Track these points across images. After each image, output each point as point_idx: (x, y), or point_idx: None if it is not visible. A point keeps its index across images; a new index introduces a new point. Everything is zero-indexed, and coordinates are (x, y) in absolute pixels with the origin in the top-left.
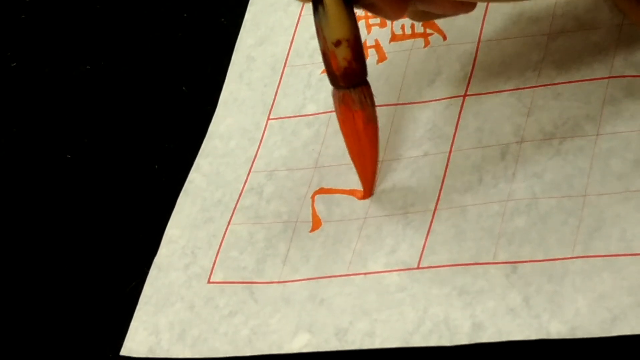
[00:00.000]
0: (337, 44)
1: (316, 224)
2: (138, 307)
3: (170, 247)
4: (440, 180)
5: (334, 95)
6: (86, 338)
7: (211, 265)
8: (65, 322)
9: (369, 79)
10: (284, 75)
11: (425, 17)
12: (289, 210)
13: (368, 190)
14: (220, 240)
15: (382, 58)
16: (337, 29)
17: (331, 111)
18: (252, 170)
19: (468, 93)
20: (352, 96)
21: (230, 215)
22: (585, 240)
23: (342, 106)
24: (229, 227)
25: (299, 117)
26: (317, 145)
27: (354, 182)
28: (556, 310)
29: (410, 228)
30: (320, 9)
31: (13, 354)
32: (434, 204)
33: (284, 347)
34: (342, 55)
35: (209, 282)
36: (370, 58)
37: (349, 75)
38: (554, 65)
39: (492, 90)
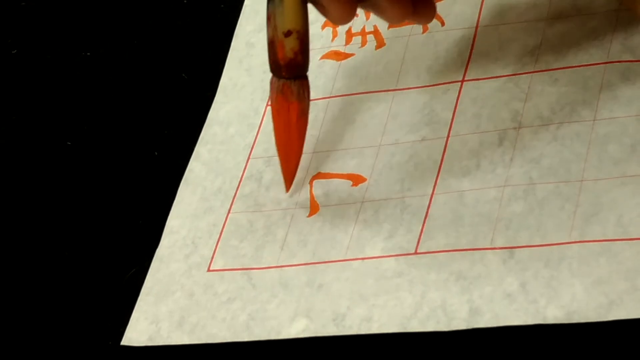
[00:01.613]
0: (288, 34)
1: (314, 209)
2: (139, 298)
3: (172, 238)
4: (438, 165)
5: (272, 84)
6: (86, 328)
7: (211, 254)
8: (66, 312)
9: (368, 63)
10: None
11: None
12: (287, 196)
13: (288, 182)
14: (221, 229)
15: (380, 44)
16: (290, 20)
17: (329, 97)
18: (251, 156)
19: (466, 78)
20: (291, 87)
21: (230, 203)
22: (582, 225)
23: (280, 96)
24: (229, 215)
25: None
26: (315, 130)
27: (352, 167)
28: (553, 296)
29: (407, 213)
30: None
31: (14, 342)
32: (432, 189)
33: (282, 333)
34: (290, 46)
35: (208, 270)
36: (369, 44)
37: (292, 67)
38: (552, 51)
39: (489, 76)
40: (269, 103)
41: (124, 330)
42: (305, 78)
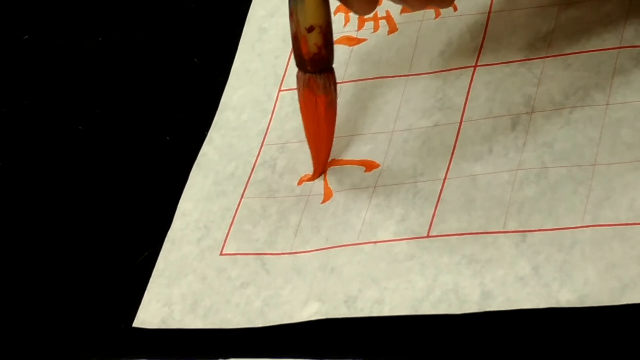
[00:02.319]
0: (310, 29)
1: (327, 195)
2: (151, 280)
3: (184, 221)
4: (451, 150)
5: (298, 78)
6: (99, 310)
7: (224, 238)
8: (79, 295)
9: (381, 49)
10: None
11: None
12: (301, 184)
13: (318, 172)
14: (234, 213)
15: (392, 29)
16: (312, 15)
17: (342, 82)
18: (265, 143)
19: (479, 64)
20: (317, 81)
21: (243, 188)
22: (595, 210)
23: (306, 90)
24: (242, 200)
25: None
26: None
27: (365, 152)
28: (565, 279)
29: (419, 197)
30: None
31: (27, 326)
32: (444, 173)
33: (295, 317)
34: (314, 41)
35: (221, 254)
36: (382, 29)
37: (317, 61)
38: (564, 36)
39: (502, 61)
40: (282, 88)
41: (136, 314)
42: (331, 71)
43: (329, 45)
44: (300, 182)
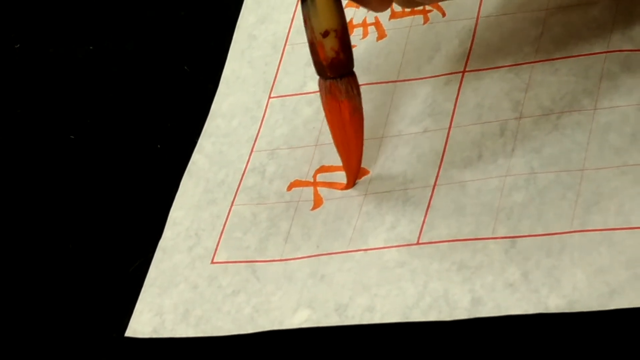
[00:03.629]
0: (325, 34)
1: (317, 202)
2: (143, 289)
3: (175, 230)
4: (440, 156)
5: (320, 85)
6: (90, 320)
7: (215, 246)
8: (71, 304)
9: (370, 55)
10: (285, 53)
11: (412, 3)
12: (291, 189)
13: (351, 180)
14: (224, 221)
15: (381, 35)
16: (325, 20)
17: None
18: (255, 149)
19: (467, 69)
20: (338, 86)
21: (233, 196)
22: (583, 215)
23: (329, 96)
24: (232, 208)
25: (300, 95)
26: (318, 123)
27: None
28: (555, 285)
29: (410, 204)
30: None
31: (18, 334)
32: (434, 180)
33: (285, 323)
34: (330, 45)
35: (212, 262)
36: (370, 35)
37: (336, 66)
38: (553, 41)
39: (491, 66)
40: (271, 95)
41: (128, 322)
42: (352, 74)
43: (346, 48)
44: (289, 188)
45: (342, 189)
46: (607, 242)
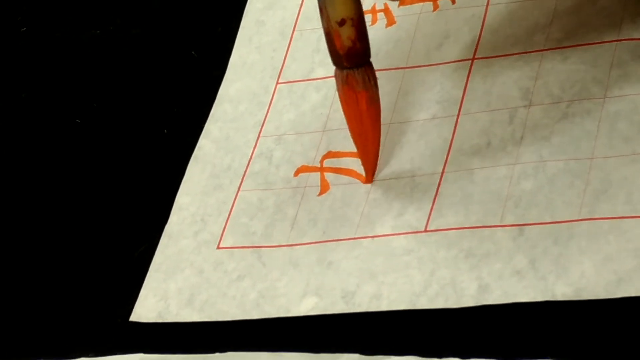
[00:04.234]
0: (342, 23)
1: (324, 187)
2: (148, 274)
3: (181, 215)
4: (448, 144)
5: (336, 76)
6: (96, 304)
7: (221, 232)
8: (76, 289)
9: (379, 42)
10: (293, 39)
11: None
12: (298, 175)
13: (370, 173)
14: (230, 206)
15: (390, 22)
16: (341, 8)
17: None
18: (261, 134)
19: (476, 56)
20: (355, 77)
21: (239, 181)
22: (592, 203)
23: (346, 87)
24: (239, 193)
25: (307, 81)
26: (326, 109)
27: None
28: (562, 273)
29: (417, 191)
30: None
31: (22, 319)
32: (442, 167)
33: (292, 310)
34: (347, 34)
35: (218, 247)
36: (379, 22)
37: (352, 55)
38: (562, 29)
39: (500, 54)
40: (279, 81)
41: (133, 307)
42: (369, 64)
43: (363, 37)
44: (296, 173)
45: (363, 183)
46: (615, 231)
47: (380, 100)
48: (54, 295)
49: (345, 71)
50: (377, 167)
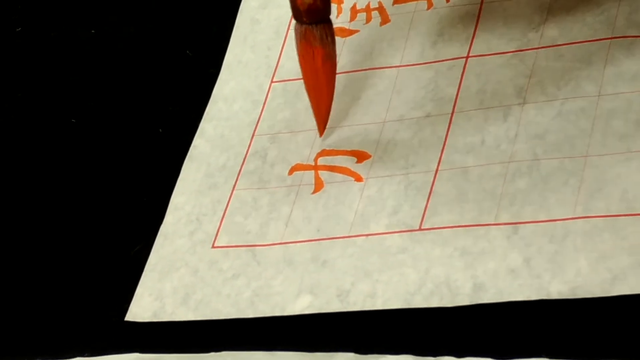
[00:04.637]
0: None
1: (318, 186)
2: (143, 274)
3: (176, 215)
4: (442, 141)
5: (295, 30)
6: (91, 303)
7: (216, 231)
8: (71, 288)
9: (373, 40)
10: (287, 38)
11: None
12: (292, 173)
13: (321, 128)
14: (225, 206)
15: (385, 20)
16: None
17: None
18: (256, 133)
19: (470, 54)
20: (313, 32)
21: (234, 180)
22: (586, 201)
23: (303, 41)
24: (234, 192)
25: (301, 80)
26: None
27: (356, 143)
28: (557, 271)
29: (412, 189)
30: None
31: (18, 319)
32: (436, 165)
33: (287, 309)
34: None
35: (213, 246)
36: (374, 20)
37: (312, 12)
38: (556, 26)
39: (494, 52)
40: (274, 80)
41: (128, 306)
42: (328, 22)
43: None
44: (291, 172)
45: (321, 137)
46: (610, 229)
47: (375, 98)
48: (50, 295)
49: (304, 26)
50: (371, 163)
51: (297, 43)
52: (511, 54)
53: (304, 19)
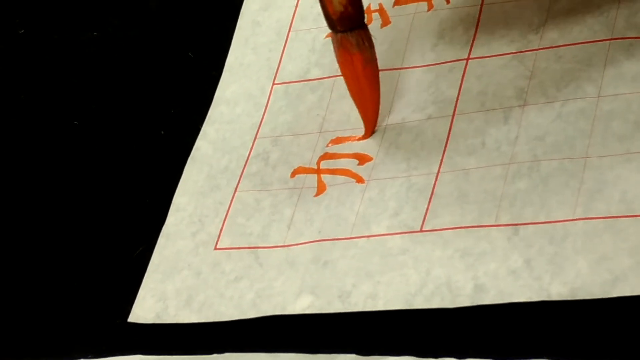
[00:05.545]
0: None
1: (321, 188)
2: (146, 275)
3: (178, 216)
4: (444, 144)
5: (332, 39)
6: (93, 305)
7: (218, 232)
8: (74, 290)
9: (374, 42)
10: (288, 40)
11: None
12: (294, 176)
13: (369, 129)
14: (227, 207)
15: (385, 22)
16: None
17: (335, 76)
18: (258, 136)
19: (471, 56)
20: (349, 39)
21: (236, 182)
22: (586, 202)
23: (341, 49)
24: (236, 194)
25: (303, 82)
26: (322, 110)
27: (358, 146)
28: (557, 272)
29: (413, 191)
30: None
31: (21, 321)
32: (437, 167)
33: (287, 309)
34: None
35: (215, 248)
36: (374, 22)
37: (345, 20)
38: (556, 28)
39: (495, 54)
40: (275, 82)
41: (131, 308)
42: (363, 27)
43: (355, 2)
44: (293, 174)
45: (359, 140)
46: (610, 230)
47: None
48: (53, 297)
49: (339, 34)
50: (373, 165)
51: (335, 51)
52: (511, 55)
53: (338, 28)
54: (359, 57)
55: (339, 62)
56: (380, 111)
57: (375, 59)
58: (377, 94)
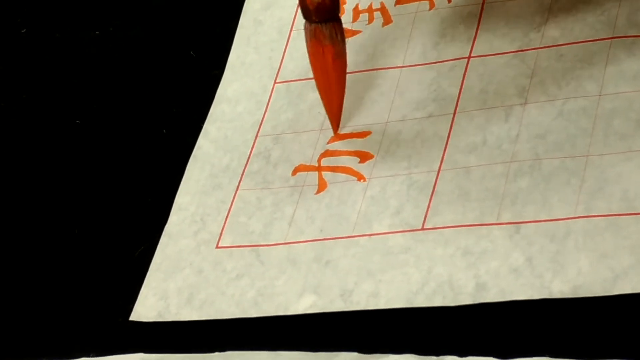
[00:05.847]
0: None
1: (322, 186)
2: (148, 274)
3: (180, 215)
4: (445, 142)
5: (305, 29)
6: (95, 304)
7: (220, 231)
8: (76, 289)
9: (375, 41)
10: (290, 38)
11: None
12: (296, 174)
13: (335, 125)
14: (229, 206)
15: (387, 21)
16: None
17: None
18: (259, 134)
19: (472, 55)
20: (323, 31)
21: (238, 180)
22: (588, 200)
23: (313, 40)
24: (237, 192)
25: (305, 81)
26: (323, 108)
27: (359, 144)
28: (559, 270)
29: (414, 189)
30: None
31: (22, 319)
32: (438, 165)
33: (290, 309)
34: None
35: (217, 247)
36: (376, 21)
37: (321, 10)
38: (558, 26)
39: (496, 52)
40: (277, 81)
41: (133, 306)
42: (337, 20)
43: None
44: (294, 172)
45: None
46: (611, 228)
47: (377, 98)
48: (55, 295)
49: (313, 25)
50: (374, 163)
51: (307, 42)
52: (513, 54)
53: (314, 18)
54: (330, 50)
55: (309, 53)
56: (381, 109)
57: (345, 54)
58: (342, 89)
